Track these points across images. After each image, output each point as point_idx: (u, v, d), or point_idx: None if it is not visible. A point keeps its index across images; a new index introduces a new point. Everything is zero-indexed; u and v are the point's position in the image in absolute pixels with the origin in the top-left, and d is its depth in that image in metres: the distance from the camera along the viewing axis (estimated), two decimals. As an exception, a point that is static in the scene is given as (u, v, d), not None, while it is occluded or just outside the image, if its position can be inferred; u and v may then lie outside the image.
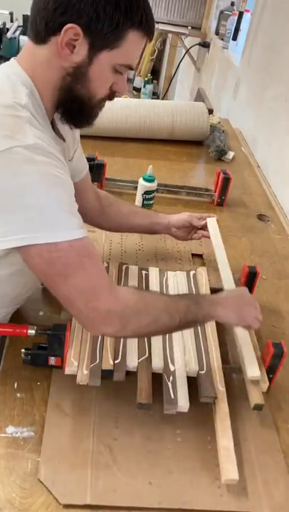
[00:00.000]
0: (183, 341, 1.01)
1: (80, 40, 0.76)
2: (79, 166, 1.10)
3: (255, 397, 0.91)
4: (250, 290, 1.20)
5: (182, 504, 0.79)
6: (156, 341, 0.99)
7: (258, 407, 0.89)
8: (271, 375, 0.97)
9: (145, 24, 0.79)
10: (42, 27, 0.77)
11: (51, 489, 0.77)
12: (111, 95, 0.87)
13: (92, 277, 0.79)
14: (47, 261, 0.75)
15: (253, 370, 0.93)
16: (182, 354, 0.97)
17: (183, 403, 0.88)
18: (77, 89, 0.82)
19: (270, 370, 0.97)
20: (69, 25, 0.75)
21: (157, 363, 0.95)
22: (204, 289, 1.16)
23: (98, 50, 0.78)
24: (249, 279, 1.18)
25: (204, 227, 1.30)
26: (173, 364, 0.95)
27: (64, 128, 0.94)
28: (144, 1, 0.79)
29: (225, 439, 0.85)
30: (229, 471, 0.80)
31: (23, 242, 0.73)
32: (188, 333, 1.02)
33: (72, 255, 0.76)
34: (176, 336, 1.01)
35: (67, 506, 0.76)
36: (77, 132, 1.04)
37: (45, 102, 0.82)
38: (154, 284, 1.15)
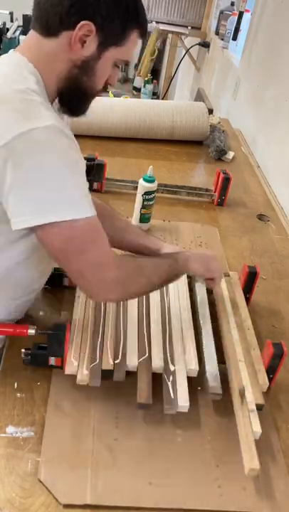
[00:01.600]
0: (183, 341, 1.01)
1: (92, 37, 0.81)
2: None
3: (256, 397, 0.91)
4: (250, 290, 1.20)
5: (182, 504, 0.79)
6: (157, 341, 0.99)
7: (258, 407, 0.89)
8: (271, 375, 0.97)
9: (143, 24, 0.86)
10: (55, 21, 0.80)
11: (51, 489, 0.77)
12: (105, 86, 0.91)
13: (103, 252, 0.86)
14: (66, 238, 0.81)
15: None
16: (182, 354, 0.98)
17: (183, 403, 0.88)
18: (83, 80, 0.86)
19: (270, 370, 0.97)
20: (85, 22, 0.79)
21: (157, 363, 0.95)
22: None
23: (106, 47, 0.83)
24: (249, 279, 1.18)
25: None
26: (173, 364, 0.95)
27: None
28: (141, 3, 0.86)
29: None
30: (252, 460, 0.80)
31: (48, 219, 0.77)
32: (189, 332, 1.03)
33: (88, 232, 0.82)
34: (177, 335, 1.02)
35: (67, 506, 0.76)
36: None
37: (48, 92, 0.85)
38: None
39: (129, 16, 0.82)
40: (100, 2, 0.79)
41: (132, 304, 1.08)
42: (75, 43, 0.81)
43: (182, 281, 1.18)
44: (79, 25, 0.79)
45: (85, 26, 0.79)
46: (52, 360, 0.93)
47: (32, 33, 0.84)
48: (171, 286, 1.16)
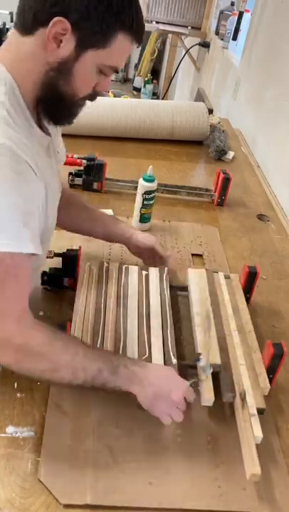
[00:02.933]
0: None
1: (68, 36, 0.75)
2: (61, 157, 1.07)
3: (257, 401, 0.91)
4: (250, 290, 1.20)
5: (182, 504, 0.79)
6: (156, 341, 0.99)
7: (260, 411, 0.89)
8: (271, 376, 0.97)
9: (135, 28, 0.78)
10: (30, 17, 0.75)
11: (51, 489, 0.77)
12: (93, 95, 0.85)
13: (5, 300, 0.74)
14: None
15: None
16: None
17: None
18: (60, 85, 0.79)
19: (270, 371, 0.97)
20: (58, 18, 0.73)
21: (158, 363, 0.95)
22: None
23: (85, 48, 0.77)
24: (249, 279, 1.18)
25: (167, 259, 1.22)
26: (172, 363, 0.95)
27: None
28: (136, 5, 0.78)
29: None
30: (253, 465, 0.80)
31: None
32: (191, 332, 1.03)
33: (5, 268, 0.72)
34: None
35: (67, 506, 0.76)
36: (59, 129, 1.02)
37: (26, 98, 0.79)
38: (154, 285, 1.15)
39: (112, 16, 0.75)
40: None
41: (132, 303, 1.08)
42: (50, 42, 0.75)
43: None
44: (52, 22, 0.73)
45: (59, 23, 0.73)
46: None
47: (13, 31, 0.79)
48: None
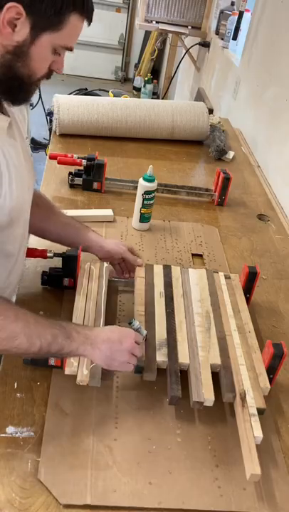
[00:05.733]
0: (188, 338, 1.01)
1: (22, 20, 0.77)
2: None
3: (257, 401, 0.91)
4: (250, 290, 1.20)
5: (182, 504, 0.79)
6: (160, 337, 0.99)
7: (260, 412, 0.89)
8: (271, 376, 0.97)
9: (86, 8, 0.81)
10: None
11: (51, 489, 0.77)
12: (49, 74, 0.87)
13: None
14: None
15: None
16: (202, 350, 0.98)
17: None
18: (17, 67, 0.82)
19: (270, 371, 0.97)
20: (11, 3, 0.75)
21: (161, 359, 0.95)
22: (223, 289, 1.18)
23: (40, 31, 0.79)
24: (249, 279, 1.18)
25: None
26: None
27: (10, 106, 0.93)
28: None
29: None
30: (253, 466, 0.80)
31: None
32: (191, 332, 1.03)
33: None
34: (181, 332, 1.02)
35: (67, 506, 0.76)
36: (25, 112, 1.03)
37: None
38: (178, 282, 1.17)
39: None
40: None
41: (133, 302, 1.08)
42: (4, 27, 0.77)
43: (203, 279, 1.18)
44: (6, 7, 0.75)
45: (13, 9, 0.75)
46: (52, 360, 0.93)
47: None
48: (192, 282, 1.17)
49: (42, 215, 1.12)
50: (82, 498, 0.77)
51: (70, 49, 0.84)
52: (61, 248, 1.16)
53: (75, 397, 0.92)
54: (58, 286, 1.15)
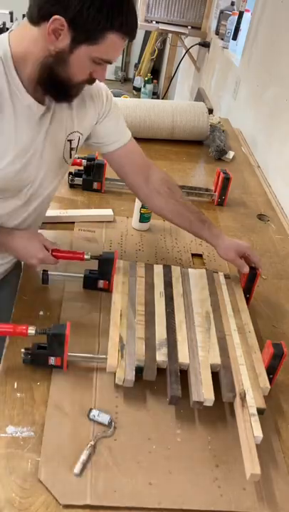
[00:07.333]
0: (188, 337, 1.01)
1: (65, 31, 0.87)
2: (107, 137, 1.18)
3: (257, 401, 0.91)
4: (250, 290, 1.20)
5: (182, 504, 0.79)
6: (160, 337, 0.99)
7: (260, 412, 0.89)
8: (271, 376, 0.97)
9: (125, 28, 0.90)
10: (35, 11, 0.88)
11: (51, 489, 0.77)
12: (91, 80, 0.98)
13: None
14: None
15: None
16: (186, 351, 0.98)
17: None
18: (57, 70, 0.92)
19: (270, 371, 0.97)
20: (56, 16, 0.85)
21: (161, 359, 0.96)
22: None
23: (79, 43, 0.89)
24: (249, 279, 1.18)
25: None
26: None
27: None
28: (128, 7, 0.89)
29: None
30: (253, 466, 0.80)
31: None
32: (191, 331, 1.03)
33: None
34: (181, 331, 1.02)
35: (67, 506, 0.76)
36: (103, 107, 1.14)
37: (20, 70, 0.93)
38: (178, 282, 1.18)
39: (103, 18, 0.86)
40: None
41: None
42: (50, 35, 0.87)
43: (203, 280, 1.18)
44: (51, 19, 0.86)
45: (57, 21, 0.85)
46: (52, 360, 0.93)
47: (25, 19, 0.93)
48: (192, 283, 1.18)
49: (185, 216, 1.23)
50: (82, 498, 0.77)
51: (109, 62, 0.94)
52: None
53: (75, 397, 0.92)
54: (93, 289, 1.16)
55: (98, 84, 1.06)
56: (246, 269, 1.17)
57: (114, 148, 1.20)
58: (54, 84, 0.95)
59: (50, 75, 0.93)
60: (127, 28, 0.90)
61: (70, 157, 1.13)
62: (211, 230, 1.22)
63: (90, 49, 0.89)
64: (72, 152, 1.12)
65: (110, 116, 1.17)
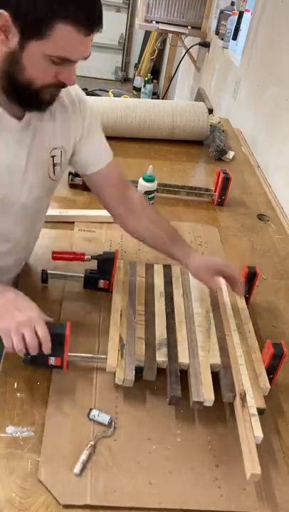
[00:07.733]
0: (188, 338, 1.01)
1: (11, 26, 0.76)
2: (89, 159, 1.09)
3: (257, 401, 0.91)
4: (250, 290, 1.20)
5: (182, 504, 0.79)
6: (160, 337, 0.99)
7: (260, 412, 0.89)
8: (271, 376, 0.97)
9: (78, 19, 0.76)
10: None
11: (51, 489, 0.77)
12: (59, 84, 0.85)
13: None
14: None
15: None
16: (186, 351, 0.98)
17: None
18: (14, 74, 0.82)
19: (270, 371, 0.97)
20: (0, 10, 0.74)
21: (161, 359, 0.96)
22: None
23: (27, 39, 0.77)
24: (249, 279, 1.18)
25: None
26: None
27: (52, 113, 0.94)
28: None
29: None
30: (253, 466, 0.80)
31: None
32: (191, 332, 1.03)
33: None
34: (181, 331, 1.02)
35: (67, 506, 0.76)
36: (87, 123, 1.03)
37: None
38: (178, 282, 1.18)
39: (46, 6, 0.74)
40: None
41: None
42: (0, 34, 0.77)
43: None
44: None
45: (1, 16, 0.75)
46: (52, 360, 0.93)
47: None
48: (192, 283, 1.18)
49: (160, 237, 1.15)
50: (82, 498, 0.77)
51: (68, 60, 0.80)
52: (60, 247, 1.16)
53: (75, 397, 0.92)
54: (94, 289, 1.16)
55: (82, 97, 0.99)
56: (216, 288, 1.11)
57: (95, 170, 1.10)
58: (16, 91, 0.84)
59: (10, 81, 0.83)
60: (79, 17, 0.76)
61: (54, 173, 1.02)
62: (183, 248, 1.13)
63: (40, 45, 0.77)
64: (56, 168, 1.01)
65: (93, 134, 1.07)
